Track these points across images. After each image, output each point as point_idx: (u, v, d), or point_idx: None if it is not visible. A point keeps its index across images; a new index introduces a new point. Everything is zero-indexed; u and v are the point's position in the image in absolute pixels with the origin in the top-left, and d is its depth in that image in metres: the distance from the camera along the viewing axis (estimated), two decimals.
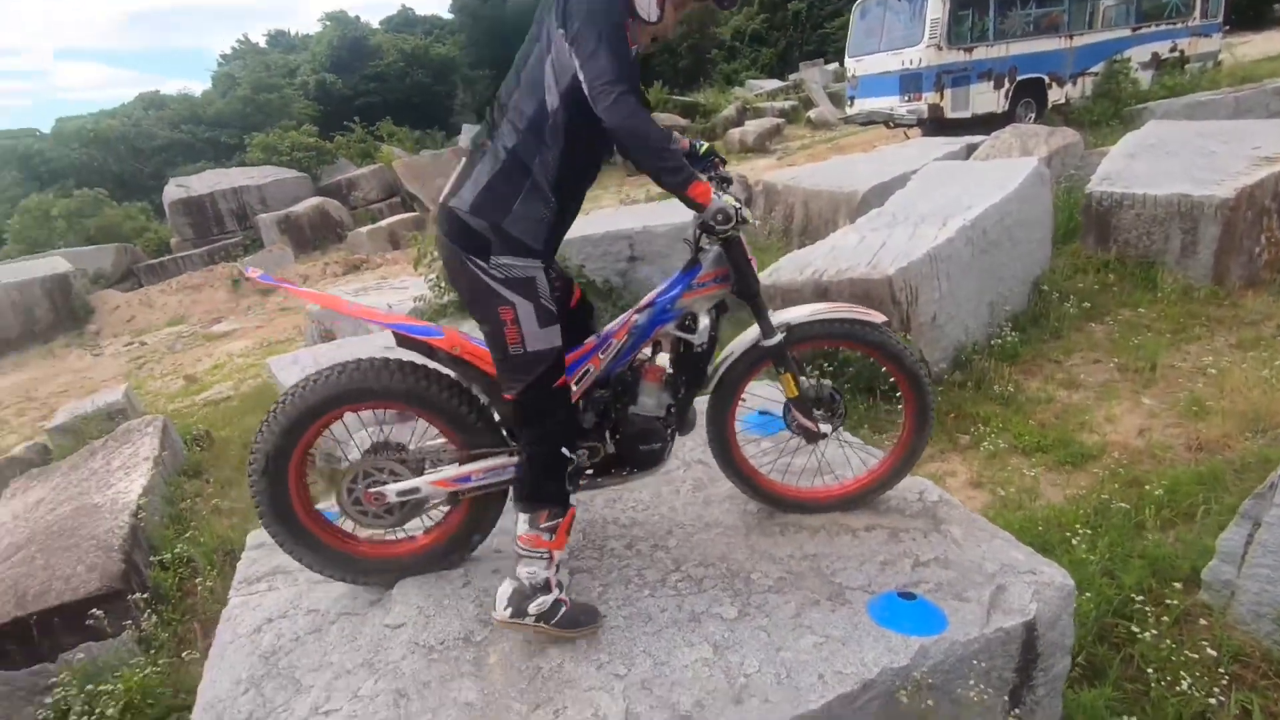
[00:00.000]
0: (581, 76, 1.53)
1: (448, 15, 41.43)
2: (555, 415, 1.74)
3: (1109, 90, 10.43)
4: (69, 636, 3.02)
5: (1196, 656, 2.17)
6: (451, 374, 1.86)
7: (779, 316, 1.96)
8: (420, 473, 1.89)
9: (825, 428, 2.01)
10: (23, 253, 13.43)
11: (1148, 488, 3.09)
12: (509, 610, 1.64)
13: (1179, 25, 11.78)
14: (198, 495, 4.37)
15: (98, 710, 2.45)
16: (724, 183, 1.96)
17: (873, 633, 1.53)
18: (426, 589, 1.81)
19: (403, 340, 1.87)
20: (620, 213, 7.01)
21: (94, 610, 2.95)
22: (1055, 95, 10.98)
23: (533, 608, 1.63)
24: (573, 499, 1.80)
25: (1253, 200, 4.56)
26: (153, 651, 2.93)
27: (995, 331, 4.57)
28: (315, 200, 15.25)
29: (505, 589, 1.67)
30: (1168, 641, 2.19)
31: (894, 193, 5.57)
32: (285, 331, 9.34)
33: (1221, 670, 2.11)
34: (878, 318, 1.98)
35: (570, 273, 2.39)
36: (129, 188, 16.70)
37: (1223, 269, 4.64)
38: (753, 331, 1.97)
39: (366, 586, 1.88)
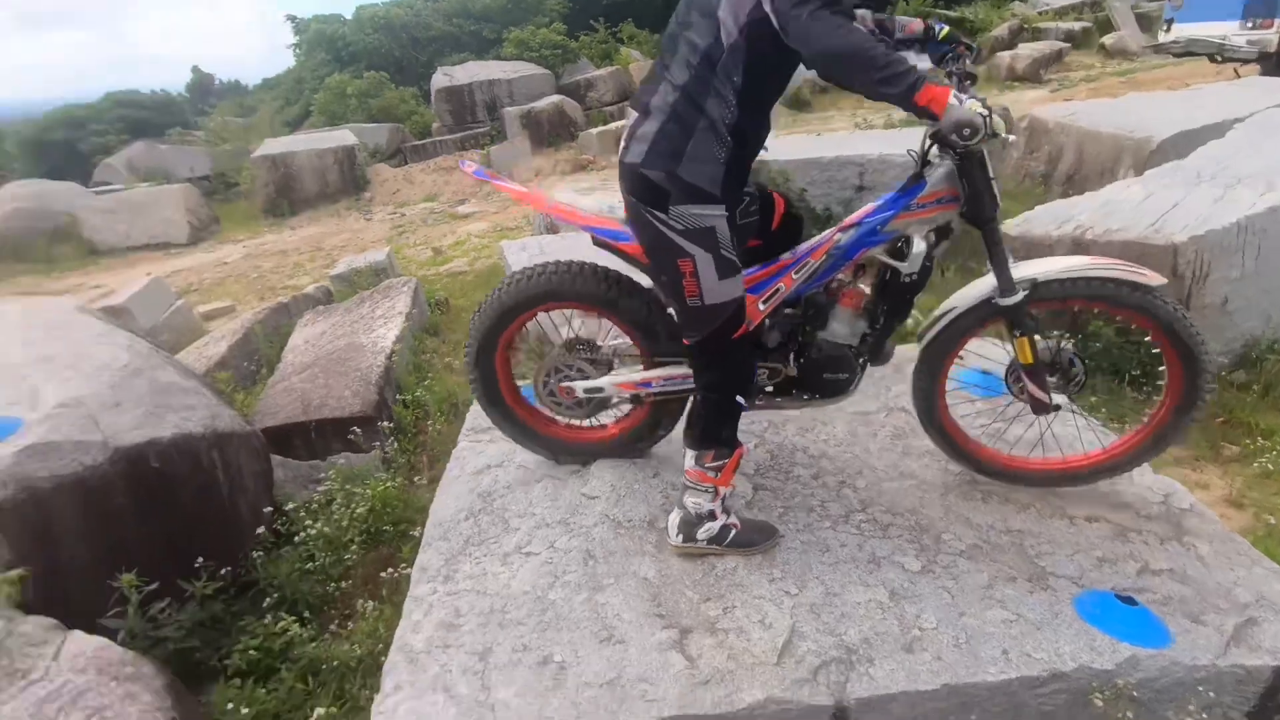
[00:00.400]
0: (767, 4, 1.38)
1: None
2: (731, 364, 1.69)
3: None
4: (335, 444, 3.73)
5: None
6: (641, 282, 1.90)
7: (1022, 270, 1.70)
8: (607, 372, 1.99)
9: (1059, 399, 1.76)
10: (324, 125, 15.78)
11: None
12: (680, 537, 1.71)
13: None
14: (434, 352, 5.07)
15: (352, 505, 3.04)
16: (967, 80, 1.68)
17: (1074, 626, 1.40)
18: (620, 471, 1.96)
19: (598, 242, 1.91)
20: (855, 137, 6.53)
21: (354, 428, 3.61)
22: None
23: (701, 534, 1.69)
24: (744, 435, 1.78)
25: None
26: (391, 470, 3.53)
27: None
28: (555, 98, 16.00)
29: (675, 518, 1.74)
30: None
31: (1205, 144, 4.57)
32: (517, 219, 10.18)
33: None
34: (1154, 279, 1.68)
35: (788, 194, 2.17)
36: (405, 73, 18.71)
37: None
38: (984, 283, 1.75)
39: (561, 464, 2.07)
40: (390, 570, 2.86)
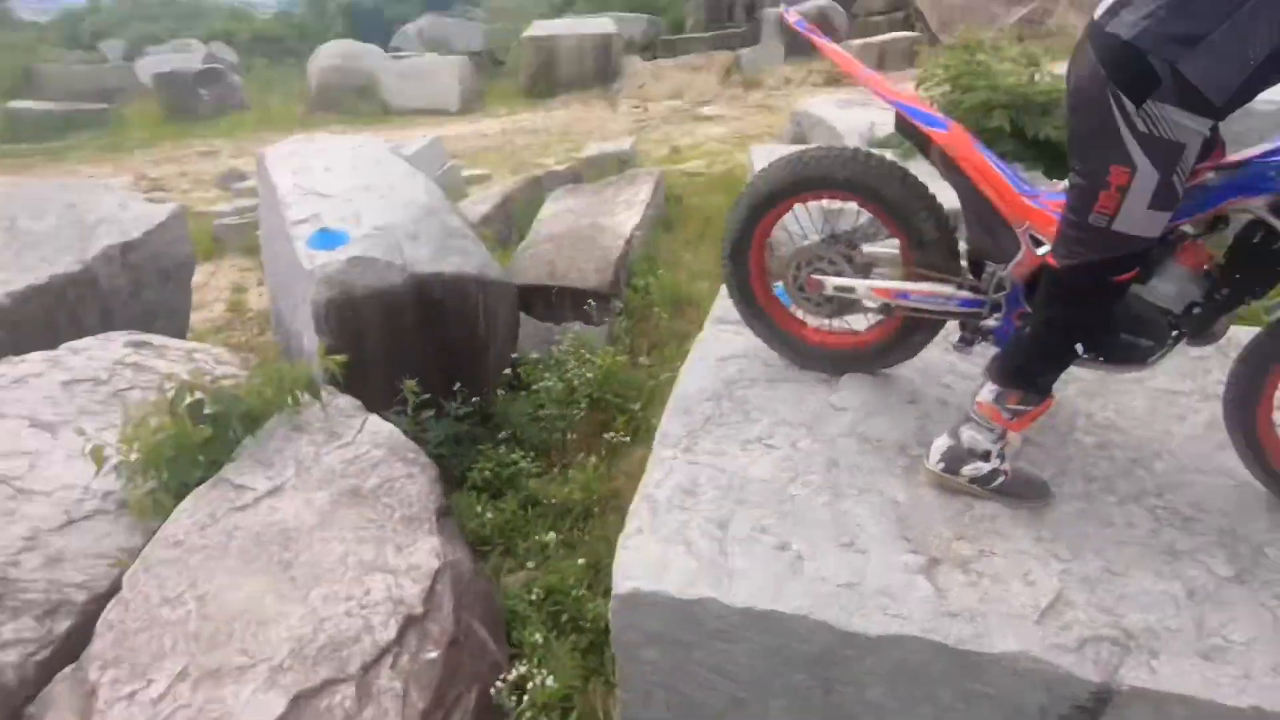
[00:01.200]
0: None
1: None
2: (1094, 307, 1.46)
3: None
4: (570, 312, 4.02)
5: None
6: (927, 184, 1.71)
7: None
8: (864, 274, 1.86)
9: None
10: (589, 11, 16.16)
11: None
12: (941, 464, 1.57)
13: None
14: (667, 246, 5.18)
15: (584, 369, 3.28)
16: None
17: None
18: (873, 388, 1.88)
19: (901, 122, 1.72)
20: None
21: (590, 300, 3.85)
22: None
23: (967, 469, 1.55)
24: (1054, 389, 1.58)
25: None
26: (617, 345, 3.73)
27: None
28: (822, 2, 14.87)
29: (941, 442, 1.60)
30: None
31: None
32: (757, 128, 9.85)
33: None
34: None
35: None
36: None
37: None
38: None
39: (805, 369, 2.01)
40: (609, 435, 3.09)
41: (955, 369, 1.96)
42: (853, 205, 1.88)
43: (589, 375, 3.28)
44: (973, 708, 1.29)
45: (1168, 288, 1.50)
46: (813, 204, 1.93)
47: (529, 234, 4.89)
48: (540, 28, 13.81)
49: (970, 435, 1.57)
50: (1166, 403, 1.85)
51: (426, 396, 2.72)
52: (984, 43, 5.27)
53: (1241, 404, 1.52)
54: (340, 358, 2.33)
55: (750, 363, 2.06)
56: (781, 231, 2.02)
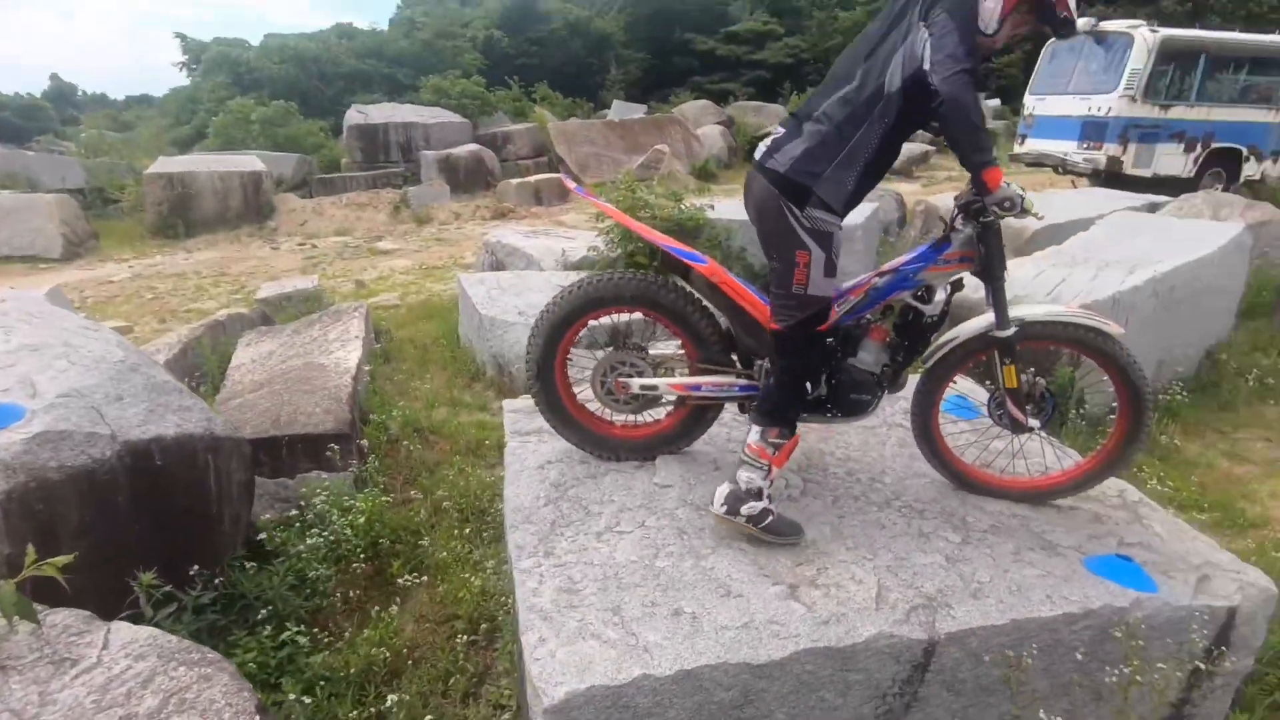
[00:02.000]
0: (928, 52, 1.70)
1: None
2: (810, 352, 1.99)
3: None
4: (305, 462, 3.60)
5: None
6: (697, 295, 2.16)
7: (1015, 311, 2.03)
8: (656, 372, 2.21)
9: (1034, 422, 2.09)
10: (220, 148, 14.99)
11: None
12: (724, 508, 1.90)
13: None
14: (388, 378, 4.99)
15: (350, 516, 2.98)
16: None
17: (1090, 579, 1.76)
18: (685, 464, 2.17)
19: (668, 259, 2.18)
20: None
21: (332, 445, 3.52)
22: (1250, 169, 10.33)
23: (744, 509, 1.88)
24: (721, 438, 2.06)
25: None
26: (370, 488, 3.46)
27: (1164, 388, 4.54)
28: (473, 147, 16.20)
29: (724, 489, 1.94)
30: None
31: (1069, 235, 5.54)
32: (440, 259, 10.13)
33: None
34: (1115, 329, 2.03)
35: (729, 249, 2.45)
36: (312, 106, 18.24)
37: None
38: (983, 320, 2.07)
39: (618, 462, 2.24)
40: (401, 579, 2.83)
41: (733, 438, 2.37)
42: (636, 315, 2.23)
43: (357, 522, 2.99)
44: (850, 697, 1.57)
45: (868, 358, 2.10)
46: (604, 319, 2.23)
47: (225, 383, 4.29)
48: (169, 164, 12.36)
49: (746, 476, 1.93)
50: (870, 434, 2.50)
51: (163, 589, 2.22)
52: (634, 183, 6.50)
53: (922, 425, 2.19)
54: (63, 559, 1.81)
55: (568, 464, 2.19)
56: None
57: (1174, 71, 9.89)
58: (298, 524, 3.10)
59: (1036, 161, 11.25)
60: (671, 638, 1.50)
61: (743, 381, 2.14)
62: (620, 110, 21.90)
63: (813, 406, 2.11)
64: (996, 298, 2.01)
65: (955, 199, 2.02)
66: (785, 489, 2.13)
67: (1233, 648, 1.81)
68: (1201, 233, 5.10)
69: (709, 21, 34.96)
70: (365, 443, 3.72)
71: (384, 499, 3.25)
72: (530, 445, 2.30)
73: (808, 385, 2.02)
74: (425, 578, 2.82)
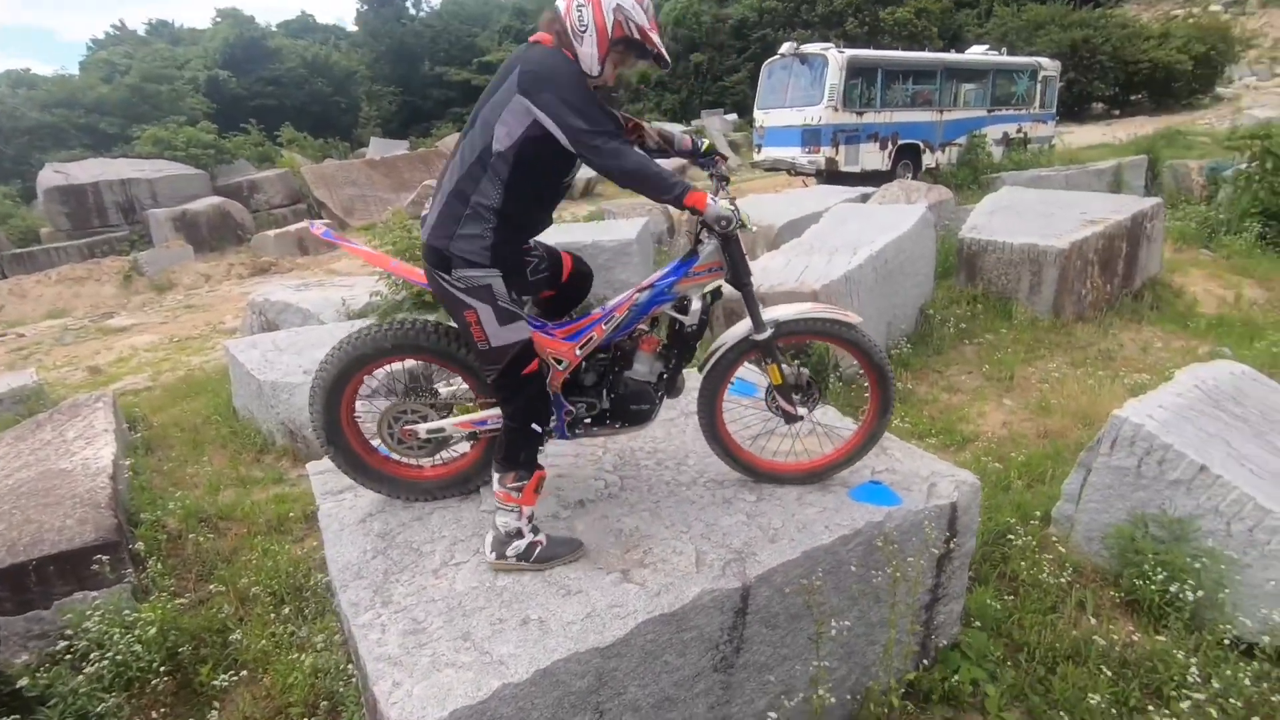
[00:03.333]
0: (564, 138, 1.81)
1: (351, 27, 40.61)
2: (525, 396, 1.99)
3: (970, 160, 12.29)
4: (63, 585, 3.08)
5: (1051, 556, 3.00)
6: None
7: (769, 314, 2.17)
8: (445, 414, 2.24)
9: (802, 410, 2.26)
10: None
11: (1012, 456, 4.02)
12: (494, 554, 1.95)
13: (1023, 111, 14.10)
14: (155, 470, 4.39)
15: (134, 633, 2.61)
16: (723, 181, 2.23)
17: (855, 506, 2.15)
18: None
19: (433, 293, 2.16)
20: (571, 228, 7.61)
21: (96, 557, 3.05)
22: (928, 160, 12.77)
23: (510, 551, 1.94)
24: (547, 460, 2.08)
25: (1081, 252, 5.81)
26: (154, 597, 3.05)
27: (893, 344, 5.50)
28: (215, 200, 14.60)
29: (489, 536, 1.99)
30: (1033, 545, 3.01)
31: (805, 228, 6.48)
32: (194, 328, 9.01)
33: (1064, 576, 2.93)
34: (854, 319, 2.23)
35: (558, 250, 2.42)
36: None
37: (1060, 305, 5.84)
38: (744, 325, 2.18)
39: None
40: (214, 681, 2.55)
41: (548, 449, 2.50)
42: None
43: (146, 635, 2.64)
44: (688, 654, 1.78)
45: (643, 368, 2.17)
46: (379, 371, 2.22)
47: None
48: None
49: (502, 520, 1.98)
50: (671, 426, 2.77)
51: None
52: (405, 221, 6.38)
53: (709, 426, 2.26)
54: None
55: (391, 513, 2.18)
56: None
57: (862, 84, 11.93)
58: (67, 657, 2.66)
59: (773, 167, 12.88)
60: (523, 645, 1.59)
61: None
62: (380, 148, 21.05)
63: (597, 421, 2.19)
64: (749, 303, 2.14)
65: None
66: (605, 489, 2.31)
67: (959, 534, 2.33)
68: (899, 215, 6.25)
69: (459, 52, 34.86)
70: (140, 546, 3.27)
71: (175, 603, 2.90)
72: (346, 502, 2.24)
73: (534, 427, 2.01)
74: (244, 673, 2.57)
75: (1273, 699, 2.27)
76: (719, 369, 2.26)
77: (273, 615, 2.76)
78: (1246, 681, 2.33)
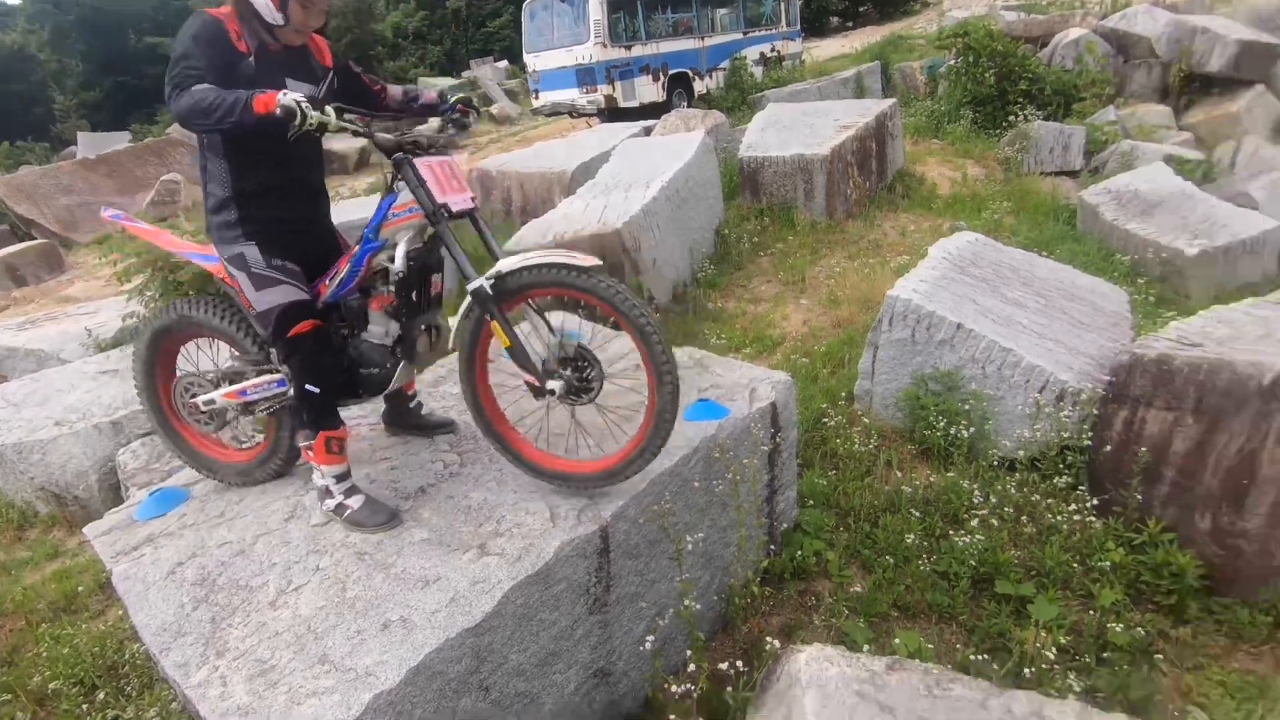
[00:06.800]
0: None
1: (13, 1, 33.12)
2: (297, 358, 1.96)
3: (736, 82, 12.97)
4: None
5: (859, 429, 3.41)
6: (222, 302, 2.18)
7: (495, 268, 1.86)
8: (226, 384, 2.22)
9: (554, 384, 1.86)
10: None
11: (816, 349, 4.46)
12: (320, 508, 2.03)
13: (774, 31, 15.05)
14: None
15: None
16: (459, 129, 2.15)
17: (689, 426, 2.27)
18: None
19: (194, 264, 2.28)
20: (510, 157, 7.00)
21: None
22: (699, 87, 13.28)
23: (322, 509, 2.02)
24: (382, 448, 2.20)
25: (840, 156, 6.42)
26: None
27: (698, 268, 5.79)
28: None
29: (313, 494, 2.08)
30: (843, 422, 3.40)
31: (597, 169, 6.52)
32: None
33: (871, 443, 3.35)
34: (589, 261, 1.79)
35: None
36: None
37: (832, 206, 6.45)
38: (475, 281, 1.87)
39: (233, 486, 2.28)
40: None
41: (378, 444, 2.35)
42: None
43: None
44: (562, 607, 1.80)
45: (378, 329, 2.03)
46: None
47: None
48: None
49: (316, 479, 2.05)
50: (499, 390, 2.71)
51: None
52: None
53: (466, 385, 2.04)
54: None
55: (204, 555, 1.94)
56: None
57: (624, 18, 11.99)
58: None
59: (554, 111, 12.69)
60: (389, 649, 1.52)
61: (279, 377, 2.10)
62: (91, 144, 17.69)
63: (345, 392, 2.09)
64: (449, 246, 1.91)
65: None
66: (445, 470, 2.23)
67: (782, 429, 2.55)
68: (682, 143, 6.48)
69: (170, 19, 29.90)
70: None
71: None
72: (146, 558, 1.95)
73: (308, 387, 1.96)
74: None
75: (1033, 499, 2.80)
76: (466, 328, 1.95)
77: (85, 706, 2.38)
78: (1013, 490, 2.85)
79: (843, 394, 3.82)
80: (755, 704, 1.71)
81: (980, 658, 2.19)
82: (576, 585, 1.86)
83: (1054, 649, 2.14)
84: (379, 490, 2.11)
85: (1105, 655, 2.24)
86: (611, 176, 6.09)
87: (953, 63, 9.43)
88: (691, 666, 1.87)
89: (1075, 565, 2.54)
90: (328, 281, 2.03)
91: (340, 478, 2.01)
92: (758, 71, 13.93)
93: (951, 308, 3.33)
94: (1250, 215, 5.47)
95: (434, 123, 2.29)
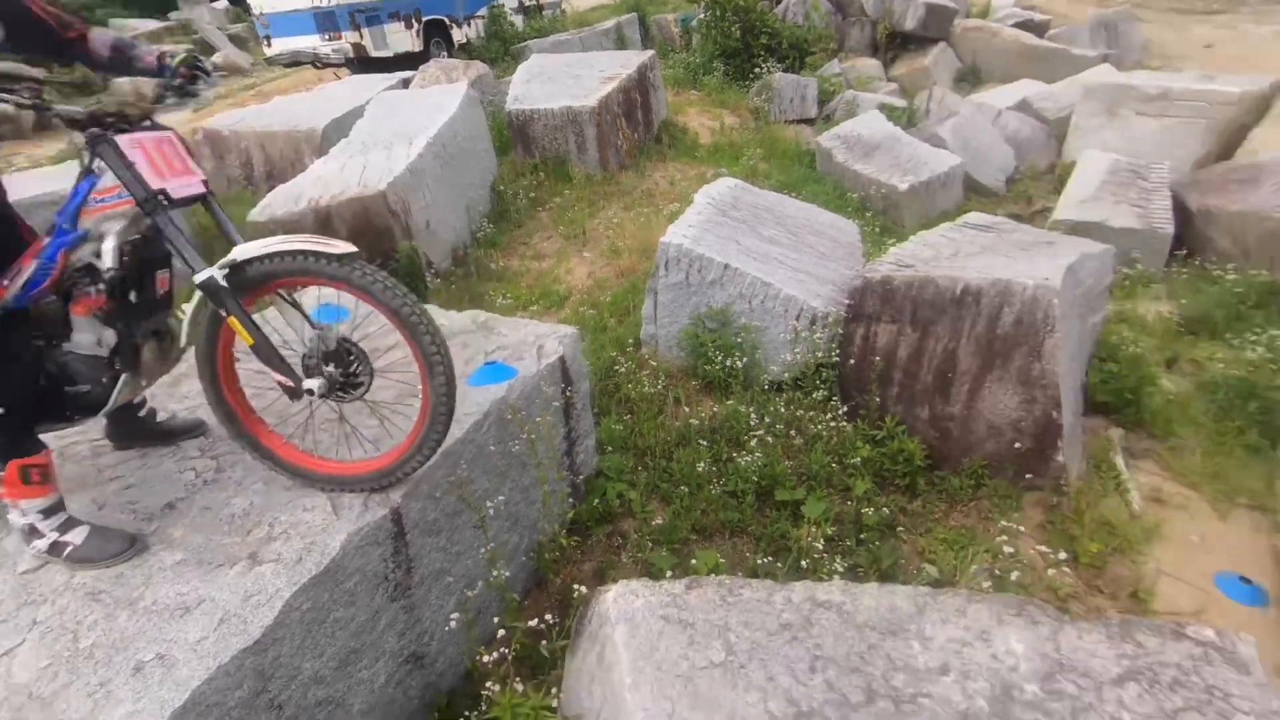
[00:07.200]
0: None
1: None
2: None
3: (496, 31, 12.46)
4: None
5: (648, 372, 3.57)
6: None
7: (230, 256, 1.64)
8: None
9: (313, 383, 1.68)
10: None
11: (602, 300, 4.56)
12: (30, 552, 1.65)
13: None
14: None
15: None
16: (185, 95, 1.83)
17: (478, 391, 2.20)
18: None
19: None
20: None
21: None
22: (458, 35, 12.54)
23: (32, 552, 1.66)
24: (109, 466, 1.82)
25: (608, 108, 6.50)
26: None
27: (476, 228, 5.58)
28: None
29: (14, 536, 1.68)
30: (633, 368, 3.54)
31: (352, 125, 5.95)
32: None
33: (660, 383, 3.53)
34: (342, 247, 1.60)
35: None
36: None
37: (605, 158, 6.55)
38: (204, 273, 1.63)
39: None
40: None
41: (104, 462, 1.99)
42: None
43: None
44: (359, 601, 1.68)
45: (87, 337, 1.69)
46: None
47: None
48: None
49: (14, 519, 1.67)
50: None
51: None
52: None
53: (208, 382, 1.81)
54: None
55: None
56: None
57: None
58: None
59: (294, 61, 11.25)
60: (146, 692, 1.30)
61: None
62: None
63: (48, 414, 1.72)
64: (173, 240, 1.63)
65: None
66: (197, 478, 1.94)
67: (573, 381, 2.59)
68: (444, 96, 6.11)
69: None
70: None
71: None
72: None
73: (1, 407, 1.59)
74: None
75: (798, 414, 3.16)
76: (199, 327, 1.70)
77: None
78: (782, 409, 3.19)
79: (630, 341, 3.96)
80: (572, 649, 1.76)
81: (766, 560, 2.46)
82: (373, 575, 1.74)
83: (823, 540, 2.47)
84: (111, 516, 1.78)
85: (862, 536, 2.64)
86: (369, 133, 5.59)
87: (703, 16, 9.92)
88: (501, 631, 1.86)
89: (835, 465, 2.93)
90: (6, 282, 1.60)
91: (49, 511, 1.66)
92: (518, 20, 13.52)
93: (718, 249, 3.57)
94: (942, 154, 6.53)
95: (146, 87, 1.87)
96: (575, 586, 1.99)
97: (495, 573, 1.98)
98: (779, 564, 2.45)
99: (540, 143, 6.53)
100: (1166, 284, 4.87)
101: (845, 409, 3.16)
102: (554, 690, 1.74)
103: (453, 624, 1.86)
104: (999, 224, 3.86)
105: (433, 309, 2.77)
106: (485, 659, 1.77)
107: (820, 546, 2.42)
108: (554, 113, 6.36)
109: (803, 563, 2.41)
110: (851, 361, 3.21)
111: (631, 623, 1.60)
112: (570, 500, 2.66)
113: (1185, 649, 1.63)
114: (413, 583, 1.88)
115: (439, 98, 6.07)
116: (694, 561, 2.45)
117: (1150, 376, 3.41)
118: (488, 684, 1.73)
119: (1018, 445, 2.81)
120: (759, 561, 2.49)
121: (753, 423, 3.11)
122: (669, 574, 2.30)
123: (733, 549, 2.70)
